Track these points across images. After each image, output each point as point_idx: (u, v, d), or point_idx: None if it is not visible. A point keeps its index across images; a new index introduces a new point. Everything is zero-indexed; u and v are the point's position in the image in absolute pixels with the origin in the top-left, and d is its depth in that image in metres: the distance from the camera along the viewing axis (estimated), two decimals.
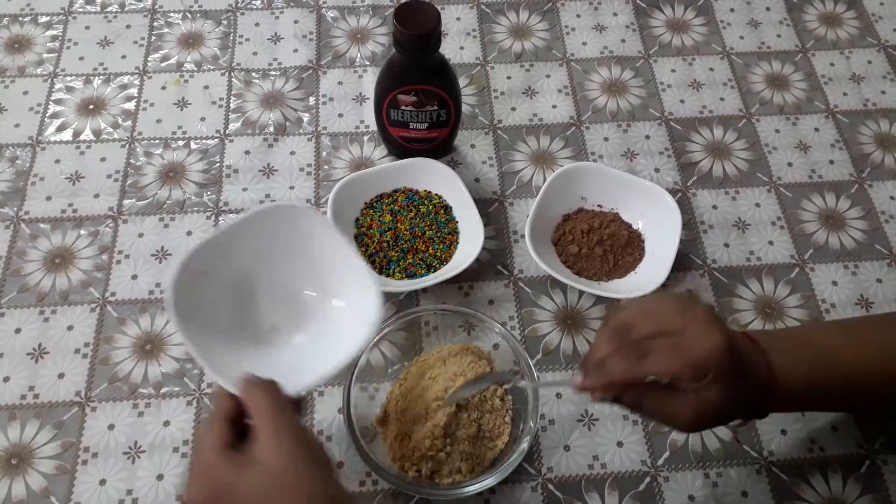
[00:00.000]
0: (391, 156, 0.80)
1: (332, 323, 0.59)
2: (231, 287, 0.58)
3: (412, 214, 0.75)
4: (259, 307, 0.59)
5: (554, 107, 0.85)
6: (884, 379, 0.51)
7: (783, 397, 0.49)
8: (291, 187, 0.78)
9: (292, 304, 0.60)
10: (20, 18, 0.90)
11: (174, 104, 0.84)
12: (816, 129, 0.85)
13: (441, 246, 0.73)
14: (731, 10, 0.94)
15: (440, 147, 0.78)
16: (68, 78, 0.85)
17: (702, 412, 0.47)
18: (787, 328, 0.69)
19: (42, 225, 0.75)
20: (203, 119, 0.83)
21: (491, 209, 0.78)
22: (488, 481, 0.59)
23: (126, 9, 0.91)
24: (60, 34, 0.89)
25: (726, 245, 0.76)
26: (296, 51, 0.89)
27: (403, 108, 0.72)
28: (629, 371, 0.46)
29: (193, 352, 0.52)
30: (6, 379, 0.67)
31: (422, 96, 0.71)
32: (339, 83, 0.86)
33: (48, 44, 0.88)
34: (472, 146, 0.82)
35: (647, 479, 0.63)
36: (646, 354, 0.46)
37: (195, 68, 0.87)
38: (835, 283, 0.74)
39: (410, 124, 0.74)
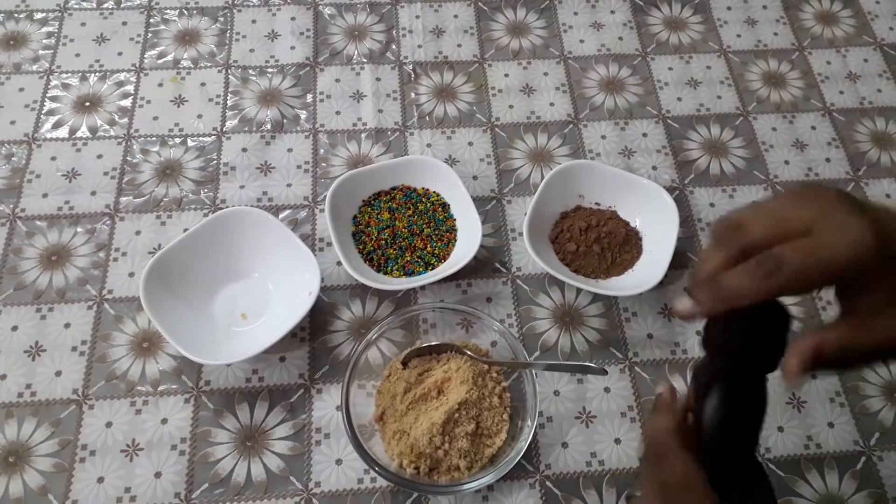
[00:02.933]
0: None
1: (285, 299, 0.69)
2: (201, 282, 0.69)
3: (410, 212, 0.74)
4: (233, 298, 0.70)
5: (551, 104, 0.85)
6: None
7: None
8: (289, 185, 0.78)
9: (255, 292, 0.71)
10: (15, 15, 0.89)
11: (171, 101, 0.84)
12: (813, 128, 0.85)
13: (439, 244, 0.73)
14: (728, 8, 0.95)
15: None
16: (64, 75, 0.85)
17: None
18: None
19: (38, 222, 0.75)
20: (200, 116, 0.83)
21: (489, 207, 0.78)
22: (487, 479, 0.59)
23: (122, 5, 0.91)
24: (56, 30, 0.88)
25: None
26: (293, 48, 0.88)
27: None
28: (753, 290, 0.36)
29: (162, 330, 0.64)
30: (3, 377, 0.66)
31: None
32: (337, 80, 0.86)
33: (44, 40, 0.87)
34: (470, 144, 0.82)
35: None
36: (774, 270, 0.35)
37: (192, 65, 0.86)
38: None
39: None
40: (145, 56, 0.87)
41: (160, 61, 0.86)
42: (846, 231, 0.35)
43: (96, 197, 0.77)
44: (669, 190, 0.75)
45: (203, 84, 0.85)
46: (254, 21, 0.90)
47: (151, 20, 0.90)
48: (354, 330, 0.70)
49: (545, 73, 0.88)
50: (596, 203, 0.76)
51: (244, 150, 0.80)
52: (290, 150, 0.81)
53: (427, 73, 0.87)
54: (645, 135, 0.83)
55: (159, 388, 0.66)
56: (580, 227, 0.73)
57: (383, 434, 0.63)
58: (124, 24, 0.89)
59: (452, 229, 0.74)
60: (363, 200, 0.75)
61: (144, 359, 0.68)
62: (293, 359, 0.68)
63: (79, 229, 0.75)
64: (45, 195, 0.76)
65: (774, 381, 0.66)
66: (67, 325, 0.69)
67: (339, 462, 0.64)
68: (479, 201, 0.76)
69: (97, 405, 0.65)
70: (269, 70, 0.86)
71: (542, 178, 0.75)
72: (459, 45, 0.90)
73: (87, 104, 0.83)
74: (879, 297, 0.36)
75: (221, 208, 0.76)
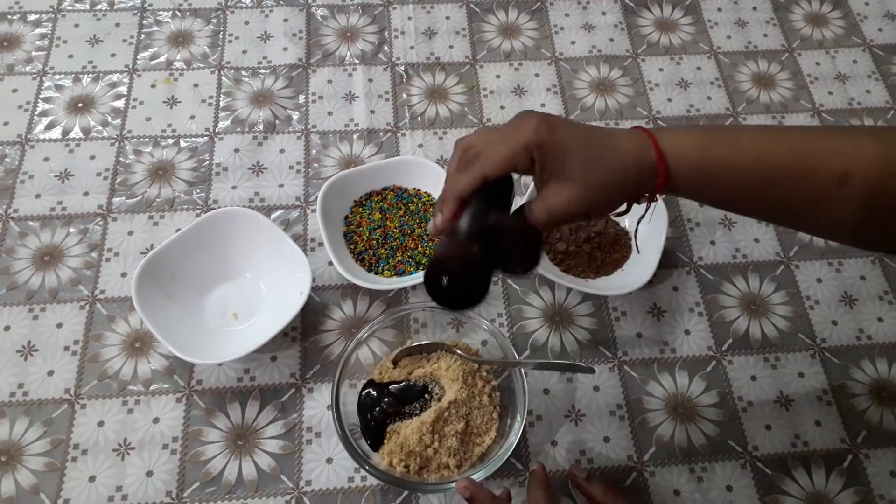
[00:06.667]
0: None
1: (277, 299, 0.69)
2: (193, 282, 0.69)
3: (401, 212, 0.75)
4: (224, 298, 0.71)
5: (542, 105, 0.86)
6: (762, 189, 0.48)
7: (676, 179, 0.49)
8: (281, 185, 0.79)
9: (247, 292, 0.71)
10: (9, 16, 0.90)
11: (164, 102, 0.84)
12: None
13: (430, 244, 0.73)
14: (719, 9, 0.95)
15: None
16: (57, 76, 0.85)
17: (575, 195, 0.47)
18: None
19: (31, 223, 0.75)
20: (193, 117, 0.83)
21: None
22: (476, 476, 0.59)
23: (115, 7, 0.91)
24: (49, 32, 0.89)
25: (712, 242, 0.77)
26: (285, 49, 0.89)
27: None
28: (467, 179, 0.48)
29: (153, 330, 0.64)
30: None
31: None
32: (329, 81, 0.86)
33: (37, 41, 0.88)
34: None
35: (634, 474, 0.64)
36: (475, 159, 0.48)
37: (185, 66, 0.87)
38: (819, 280, 0.75)
39: None
40: (138, 57, 0.87)
41: (153, 62, 0.87)
42: (524, 125, 0.47)
43: (89, 197, 0.77)
44: None
45: (196, 85, 0.85)
46: (246, 22, 0.91)
47: (144, 21, 0.90)
48: (345, 329, 0.70)
49: (536, 74, 0.88)
50: None
51: (236, 150, 0.81)
52: (282, 151, 0.81)
53: (419, 74, 0.88)
54: None
55: (151, 388, 0.67)
56: (570, 227, 0.73)
57: None
58: (117, 25, 0.90)
59: None
60: (355, 201, 0.76)
61: (136, 358, 0.68)
62: (284, 358, 0.69)
63: (71, 230, 0.75)
64: (37, 196, 0.77)
65: (766, 383, 0.66)
66: (60, 325, 0.69)
67: (329, 461, 0.64)
68: None
69: (89, 405, 0.66)
70: (262, 71, 0.87)
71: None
72: (451, 47, 0.90)
73: (80, 105, 0.83)
74: (543, 177, 0.48)
75: (213, 209, 0.76)
